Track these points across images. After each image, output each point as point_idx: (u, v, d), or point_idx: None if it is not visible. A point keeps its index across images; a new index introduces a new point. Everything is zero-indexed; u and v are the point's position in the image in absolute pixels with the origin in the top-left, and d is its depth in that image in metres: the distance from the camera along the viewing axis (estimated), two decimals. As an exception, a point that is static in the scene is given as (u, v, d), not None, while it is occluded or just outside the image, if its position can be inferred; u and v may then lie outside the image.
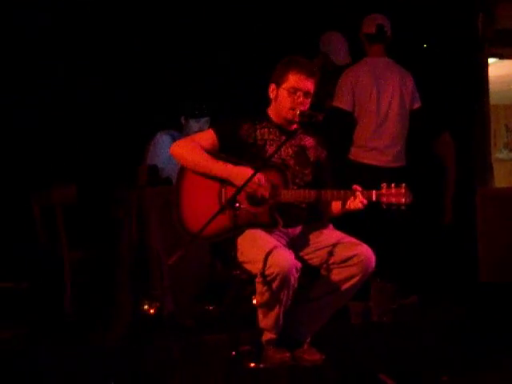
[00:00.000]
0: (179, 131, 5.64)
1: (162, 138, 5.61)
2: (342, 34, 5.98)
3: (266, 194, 3.99)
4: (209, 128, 4.33)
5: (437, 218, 6.01)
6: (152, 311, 4.95)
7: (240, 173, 3.99)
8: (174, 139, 5.46)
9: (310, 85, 4.09)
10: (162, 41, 6.17)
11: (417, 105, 5.61)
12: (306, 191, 4.04)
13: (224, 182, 4.07)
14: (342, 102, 5.49)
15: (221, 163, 4.07)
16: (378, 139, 5.50)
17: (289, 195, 4.02)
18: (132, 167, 5.54)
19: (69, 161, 5.94)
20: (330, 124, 4.20)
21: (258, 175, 3.91)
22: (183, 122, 5.65)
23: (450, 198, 6.01)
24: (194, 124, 5.59)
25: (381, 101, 5.48)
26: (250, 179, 3.82)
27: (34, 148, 5.97)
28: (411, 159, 5.66)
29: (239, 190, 3.78)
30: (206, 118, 5.61)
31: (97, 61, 6.13)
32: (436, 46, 6.28)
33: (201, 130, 5.37)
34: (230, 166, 4.05)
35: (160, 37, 6.16)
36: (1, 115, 5.97)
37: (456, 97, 6.18)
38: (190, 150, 4.13)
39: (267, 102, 4.23)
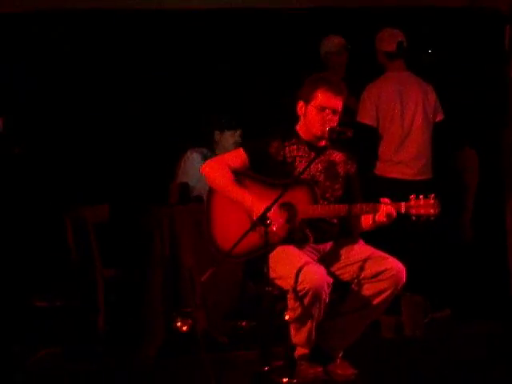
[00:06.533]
0: (209, 148, 5.66)
1: (193, 156, 5.63)
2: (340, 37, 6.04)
3: (281, 236, 4.01)
4: (239, 147, 4.37)
5: (457, 237, 6.01)
6: (185, 328, 4.96)
7: (255, 208, 3.98)
8: (204, 156, 5.49)
9: (338, 103, 4.12)
10: (193, 60, 6.22)
11: (440, 117, 5.64)
12: (337, 206, 4.06)
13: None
14: (366, 117, 5.52)
15: (246, 193, 4.08)
16: (403, 153, 5.52)
17: (319, 210, 4.04)
18: (163, 185, 5.58)
19: (101, 180, 5.99)
20: (355, 140, 4.22)
21: (271, 214, 3.82)
22: (217, 137, 5.65)
23: (469, 217, 6.01)
24: (229, 137, 5.59)
25: (404, 114, 5.51)
26: (266, 211, 3.80)
27: (67, 167, 6.03)
28: (435, 172, 5.67)
29: (270, 207, 3.80)
30: (240, 132, 5.63)
31: (126, 80, 6.19)
32: (462, 58, 6.28)
33: (236, 142, 5.42)
34: (253, 198, 4.04)
35: (191, 55, 6.22)
36: (34, 136, 6.06)
37: (482, 109, 6.17)
38: (220, 172, 4.16)
39: (296, 118, 4.27)
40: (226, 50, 6.29)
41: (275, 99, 5.88)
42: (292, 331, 4.05)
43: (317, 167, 4.22)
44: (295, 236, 4.05)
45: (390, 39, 5.60)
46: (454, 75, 6.18)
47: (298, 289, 3.85)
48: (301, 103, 4.21)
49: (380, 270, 4.02)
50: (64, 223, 5.43)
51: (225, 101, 6.18)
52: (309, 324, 3.98)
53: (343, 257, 4.14)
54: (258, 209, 3.92)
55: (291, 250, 4.02)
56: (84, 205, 5.43)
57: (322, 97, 4.11)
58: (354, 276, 4.08)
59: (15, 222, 5.78)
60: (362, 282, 4.06)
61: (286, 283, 3.93)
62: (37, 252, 5.80)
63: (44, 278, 5.64)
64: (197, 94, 6.26)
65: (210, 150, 5.64)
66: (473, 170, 6.06)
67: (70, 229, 5.42)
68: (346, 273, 4.11)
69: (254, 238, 3.93)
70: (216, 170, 4.19)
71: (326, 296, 3.90)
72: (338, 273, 4.11)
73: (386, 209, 3.94)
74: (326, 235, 4.19)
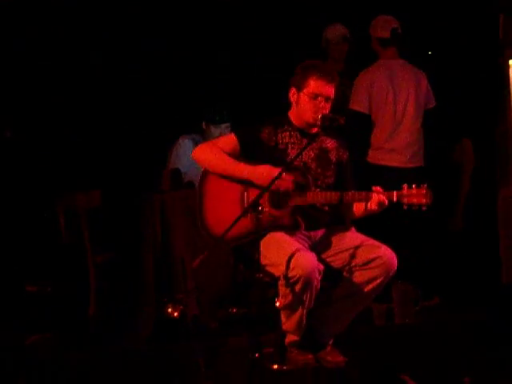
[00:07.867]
0: (201, 135, 5.68)
1: (185, 142, 5.65)
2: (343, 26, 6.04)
3: (291, 187, 3.99)
4: (230, 133, 4.36)
5: (447, 225, 6.02)
6: (176, 314, 4.97)
7: (263, 172, 4.00)
8: (195, 143, 5.49)
9: (330, 90, 4.10)
10: (184, 47, 6.21)
11: (432, 104, 5.65)
12: (329, 193, 4.06)
13: (246, 185, 4.09)
14: (358, 104, 5.53)
15: (243, 164, 4.10)
16: (396, 140, 5.54)
17: (311, 197, 4.04)
18: (155, 171, 5.58)
19: (93, 165, 5.99)
20: (348, 127, 4.22)
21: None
22: (204, 127, 5.69)
23: (461, 207, 6.03)
24: (214, 130, 5.62)
25: (397, 102, 5.53)
26: (276, 178, 3.84)
27: (59, 152, 6.02)
28: (429, 160, 5.68)
29: (263, 191, 3.81)
30: (227, 124, 5.63)
31: (118, 66, 6.18)
32: (457, 48, 6.28)
33: (221, 135, 5.40)
34: (252, 167, 4.07)
35: (183, 43, 6.20)
36: (28, 123, 6.05)
37: (477, 99, 6.17)
38: (212, 152, 4.16)
39: (288, 105, 4.25)
40: (225, 38, 6.27)
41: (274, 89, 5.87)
42: (283, 318, 4.05)
43: (309, 154, 4.21)
44: (286, 222, 4.05)
45: (384, 26, 5.61)
46: (449, 65, 6.18)
47: (289, 275, 3.86)
48: (293, 90, 4.19)
49: (371, 258, 4.02)
50: (55, 208, 5.44)
51: (221, 90, 6.18)
52: (299, 311, 3.98)
53: (334, 244, 4.14)
54: (267, 171, 3.95)
55: (282, 236, 4.02)
56: (76, 190, 5.43)
57: (314, 84, 4.10)
58: (345, 263, 4.08)
59: (6, 207, 5.78)
60: (353, 269, 4.06)
61: (277, 270, 3.93)
62: (28, 237, 5.80)
63: (35, 263, 5.64)
64: (191, 81, 6.25)
65: (202, 136, 5.65)
66: (469, 160, 6.07)
67: (61, 214, 5.43)
68: (337, 260, 4.11)
69: (245, 223, 3.93)
70: (208, 151, 4.20)
71: (317, 283, 3.90)
72: (329, 260, 4.11)
73: (378, 197, 3.94)
74: (318, 222, 4.19)
